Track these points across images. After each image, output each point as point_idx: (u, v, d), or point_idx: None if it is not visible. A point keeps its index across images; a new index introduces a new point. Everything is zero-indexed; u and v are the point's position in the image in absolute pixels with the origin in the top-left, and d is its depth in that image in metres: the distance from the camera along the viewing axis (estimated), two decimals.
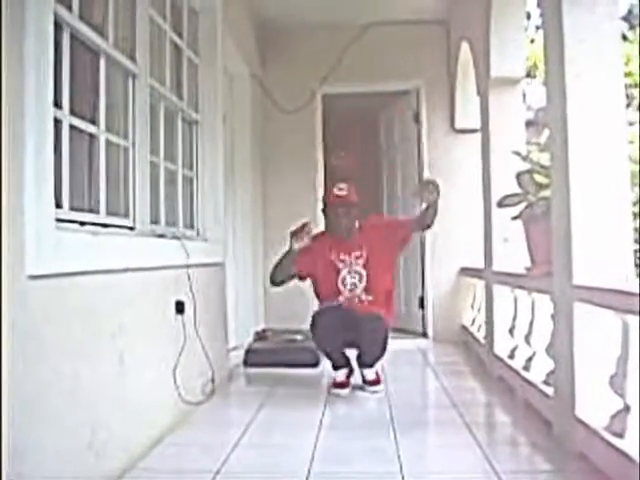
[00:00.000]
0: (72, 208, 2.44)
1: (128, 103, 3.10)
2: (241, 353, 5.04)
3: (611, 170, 2.79)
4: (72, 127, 2.47)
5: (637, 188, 9.03)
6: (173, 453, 2.88)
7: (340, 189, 4.12)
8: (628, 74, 9.89)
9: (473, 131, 5.91)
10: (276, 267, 4.16)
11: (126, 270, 2.68)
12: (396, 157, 6.94)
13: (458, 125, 6.32)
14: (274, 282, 4.20)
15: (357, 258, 4.12)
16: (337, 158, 4.10)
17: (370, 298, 4.10)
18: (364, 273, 4.11)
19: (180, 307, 3.38)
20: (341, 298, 4.11)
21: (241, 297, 5.50)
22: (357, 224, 4.19)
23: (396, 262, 4.39)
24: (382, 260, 4.14)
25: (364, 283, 4.10)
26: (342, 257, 4.13)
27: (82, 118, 2.58)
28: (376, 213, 4.21)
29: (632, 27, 14.13)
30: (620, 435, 2.37)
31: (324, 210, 4.22)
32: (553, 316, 3.10)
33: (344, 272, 4.12)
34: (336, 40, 6.30)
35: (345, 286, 4.12)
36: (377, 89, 6.58)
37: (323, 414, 3.51)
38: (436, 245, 6.35)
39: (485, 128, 4.75)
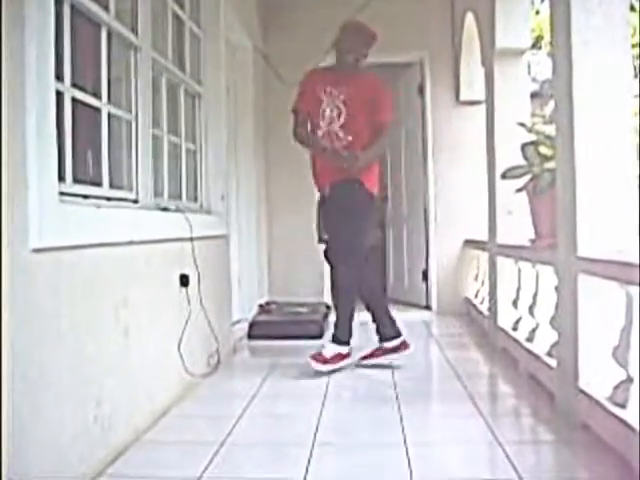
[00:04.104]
0: (75, 181, 2.43)
1: (130, 76, 3.08)
2: (245, 326, 5.07)
3: (617, 142, 2.77)
4: (74, 100, 2.45)
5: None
6: (178, 425, 2.91)
7: (369, 27, 4.08)
8: (635, 45, 9.78)
9: (478, 103, 5.87)
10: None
11: (130, 243, 2.68)
12: (400, 129, 6.90)
13: (463, 97, 6.28)
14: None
15: (338, 95, 3.97)
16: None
17: (350, 138, 3.93)
18: (343, 110, 3.95)
19: (184, 280, 3.39)
20: (319, 132, 4.01)
21: (245, 270, 5.51)
22: (360, 68, 4.08)
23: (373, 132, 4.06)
24: (359, 114, 3.94)
25: (342, 120, 3.94)
26: (327, 89, 4.01)
27: (84, 91, 2.56)
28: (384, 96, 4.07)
29: None
30: (622, 406, 2.38)
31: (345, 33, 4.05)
32: (557, 288, 3.10)
33: (324, 104, 4.00)
34: (339, 11, 6.21)
35: (324, 119, 3.99)
36: (381, 61, 6.50)
37: (327, 385, 3.54)
38: (440, 218, 6.35)
39: (490, 100, 4.72)
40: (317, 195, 4.18)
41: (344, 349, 3.93)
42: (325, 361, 3.82)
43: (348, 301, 3.96)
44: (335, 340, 3.93)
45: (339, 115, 3.96)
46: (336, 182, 3.95)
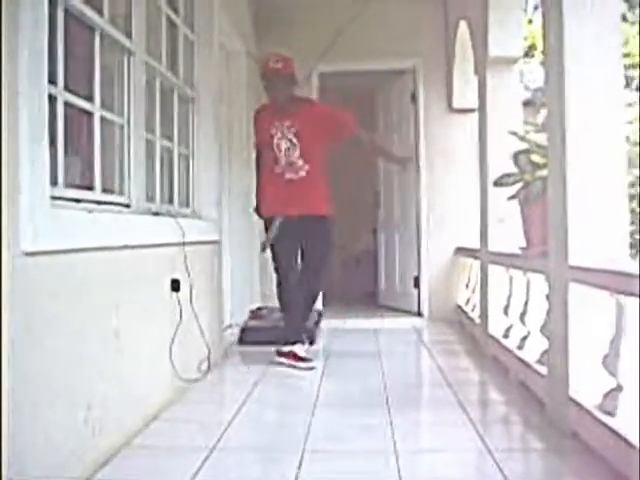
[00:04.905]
0: (67, 185, 2.43)
1: (124, 80, 3.08)
2: (237, 331, 5.06)
3: (608, 151, 2.78)
4: (67, 104, 2.45)
5: (634, 170, 9.05)
6: (169, 430, 2.90)
7: (275, 61, 4.18)
8: (627, 55, 9.86)
9: (470, 111, 5.90)
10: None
11: (122, 248, 2.68)
12: (393, 136, 6.92)
13: (455, 104, 6.30)
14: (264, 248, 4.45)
15: (289, 127, 4.20)
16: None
17: (307, 167, 4.20)
18: (296, 141, 4.19)
19: (176, 285, 3.38)
20: (278, 167, 4.23)
21: (237, 275, 5.50)
22: (298, 97, 4.32)
23: (325, 154, 4.37)
24: (313, 141, 4.21)
25: (298, 150, 4.19)
26: (276, 124, 4.23)
27: (77, 95, 2.56)
28: (322, 106, 4.51)
29: (632, 7, 14.03)
30: (612, 414, 2.39)
31: (263, 80, 4.27)
32: (548, 296, 3.11)
33: (277, 137, 4.22)
34: (333, 18, 6.25)
35: (280, 151, 4.22)
36: (375, 68, 6.55)
37: (318, 391, 3.53)
38: (432, 224, 6.36)
39: (482, 108, 4.74)
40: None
41: (300, 350, 4.23)
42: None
43: (287, 311, 4.39)
44: (286, 343, 4.27)
45: (294, 147, 4.18)
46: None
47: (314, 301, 4.49)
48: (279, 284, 4.44)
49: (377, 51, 6.33)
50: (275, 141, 4.22)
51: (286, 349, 4.23)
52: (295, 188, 4.22)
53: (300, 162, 4.19)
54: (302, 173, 4.21)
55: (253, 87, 6.01)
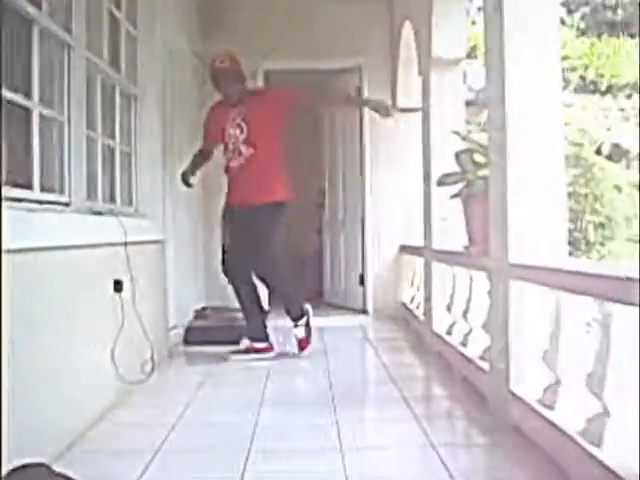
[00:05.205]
0: (5, 184, 2.36)
1: (63, 76, 3.01)
2: (181, 331, 5.00)
3: (547, 150, 2.84)
4: (2, 100, 2.38)
5: (571, 169, 9.30)
6: (112, 433, 2.85)
7: (222, 61, 4.29)
8: (565, 57, 10.12)
9: (415, 110, 5.95)
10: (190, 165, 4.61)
11: (61, 248, 2.62)
12: (338, 135, 6.94)
13: (400, 104, 6.35)
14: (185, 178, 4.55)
15: (239, 114, 4.32)
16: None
17: (252, 151, 4.27)
18: (244, 125, 4.29)
19: (118, 286, 3.32)
20: (229, 154, 4.37)
21: (181, 275, 5.44)
22: (250, 90, 4.51)
23: (283, 133, 4.46)
24: (262, 122, 4.28)
25: (244, 135, 4.28)
26: (228, 115, 4.36)
27: (14, 90, 2.49)
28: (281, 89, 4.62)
29: (570, 12, 14.42)
30: (551, 407, 2.45)
31: (213, 81, 4.39)
32: (489, 293, 3.16)
33: (227, 126, 4.35)
34: (279, 15, 6.23)
35: (230, 139, 4.35)
36: (320, 66, 6.55)
37: (263, 391, 3.52)
38: (377, 223, 6.41)
39: (426, 107, 4.79)
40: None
41: (259, 344, 4.42)
42: (238, 352, 4.37)
43: (242, 306, 4.55)
44: (250, 338, 4.45)
45: (241, 131, 4.29)
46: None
47: (286, 294, 4.59)
48: (231, 283, 4.54)
49: (323, 49, 6.34)
50: (227, 132, 4.32)
51: (243, 346, 4.40)
52: (239, 175, 4.33)
53: (243, 148, 4.28)
54: (242, 160, 4.29)
55: (198, 86, 5.96)
